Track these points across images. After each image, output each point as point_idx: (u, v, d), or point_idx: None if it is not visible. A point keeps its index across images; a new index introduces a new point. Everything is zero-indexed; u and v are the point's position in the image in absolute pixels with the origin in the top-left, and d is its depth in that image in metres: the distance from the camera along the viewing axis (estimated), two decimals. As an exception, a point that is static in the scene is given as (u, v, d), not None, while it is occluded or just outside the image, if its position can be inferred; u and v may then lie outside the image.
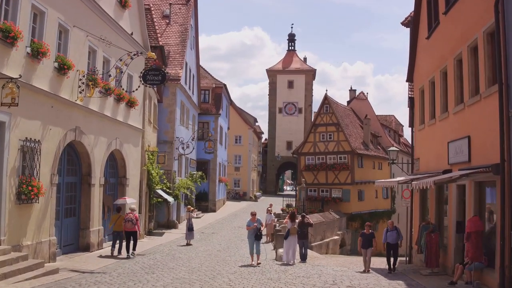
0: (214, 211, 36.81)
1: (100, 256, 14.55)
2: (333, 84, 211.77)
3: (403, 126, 64.69)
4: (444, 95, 13.97)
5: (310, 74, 71.12)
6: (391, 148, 19.04)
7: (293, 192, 60.54)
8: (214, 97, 38.40)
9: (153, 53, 14.10)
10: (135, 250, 15.18)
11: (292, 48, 74.48)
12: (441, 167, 13.46)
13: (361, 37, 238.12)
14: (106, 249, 15.96)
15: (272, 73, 70.96)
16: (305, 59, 74.41)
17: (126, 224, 14.92)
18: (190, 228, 19.06)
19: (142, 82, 14.01)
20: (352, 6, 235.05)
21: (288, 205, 35.49)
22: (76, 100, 14.00)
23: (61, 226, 14.23)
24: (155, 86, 14.34)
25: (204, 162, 36.97)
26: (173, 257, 15.04)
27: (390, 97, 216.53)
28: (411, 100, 17.81)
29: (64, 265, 12.35)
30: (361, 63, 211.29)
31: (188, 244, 18.71)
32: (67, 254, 14.33)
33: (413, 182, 11.64)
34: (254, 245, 14.31)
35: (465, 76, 12.08)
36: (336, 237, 30.12)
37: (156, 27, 24.90)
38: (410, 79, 18.10)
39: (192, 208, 20.14)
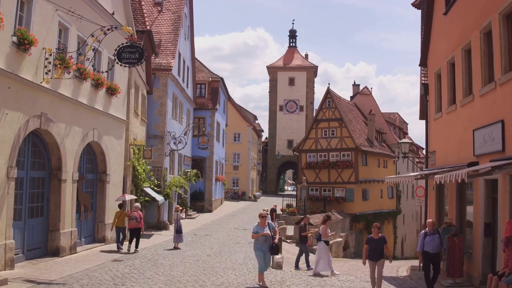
0: (210, 211, 34.91)
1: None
2: (335, 84, 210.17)
3: (407, 124, 62.96)
4: (467, 75, 12.04)
5: (312, 71, 69.17)
6: (403, 140, 17.02)
7: (295, 192, 58.62)
8: (211, 91, 36.48)
9: (129, 28, 12.19)
10: (137, 247, 15.54)
11: (293, 44, 72.51)
12: (463, 159, 11.54)
13: (363, 38, 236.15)
14: (95, 247, 14.13)
15: (272, 70, 69.00)
16: (306, 55, 72.39)
17: (131, 222, 15.43)
18: (178, 230, 17.10)
19: (117, 61, 12.09)
20: (353, 7, 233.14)
21: (288, 205, 33.54)
22: (41, 82, 12.11)
23: (24, 227, 12.29)
24: (132, 65, 12.37)
25: (200, 159, 35.09)
26: (155, 264, 13.11)
27: (393, 97, 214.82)
28: (425, 87, 15.86)
29: (21, 274, 10.45)
30: (364, 64, 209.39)
31: (175, 248, 16.78)
32: (31, 259, 12.39)
33: (436, 176, 9.71)
34: (265, 260, 10.55)
35: (496, 50, 10.14)
36: (339, 239, 28.14)
37: (145, 12, 22.96)
38: (423, 63, 16.17)
39: (180, 208, 18.18)
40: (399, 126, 52.53)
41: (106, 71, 13.78)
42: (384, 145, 41.53)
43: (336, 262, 19.00)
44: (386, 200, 38.95)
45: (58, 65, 12.38)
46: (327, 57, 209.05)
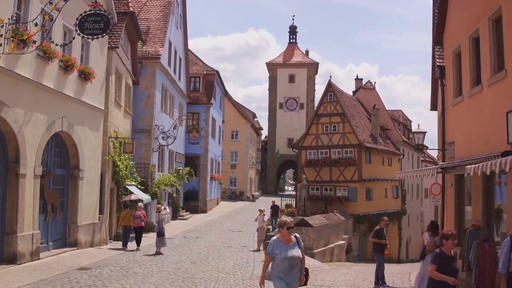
0: (205, 211, 32.98)
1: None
2: (338, 85, 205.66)
3: (411, 121, 61.13)
4: (496, 49, 10.08)
5: (312, 68, 67.11)
6: (416, 130, 15.03)
7: (295, 192, 56.63)
8: (206, 85, 34.55)
9: (94, -7, 10.27)
10: (138, 244, 15.86)
11: (294, 41, 70.42)
12: (493, 148, 9.59)
13: (364, 38, 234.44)
14: (65, 252, 12.19)
15: (272, 67, 66.96)
16: (307, 52, 70.37)
17: (135, 221, 15.80)
18: (160, 233, 15.19)
19: (78, 32, 10.16)
20: (353, 7, 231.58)
21: (288, 205, 31.56)
22: (-9, 59, 10.21)
23: (-30, 230, 10.42)
24: (96, 37, 10.43)
25: (194, 157, 33.15)
26: (126, 273, 11.18)
27: (395, 98, 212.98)
28: (440, 69, 13.89)
29: (-44, 288, 8.55)
30: (366, 64, 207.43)
31: (157, 253, 14.85)
32: (-19, 268, 10.53)
33: (468, 166, 7.72)
34: None
35: (538, 12, 8.20)
36: (342, 241, 26.24)
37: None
38: (438, 41, 14.21)
39: (162, 207, 16.25)
40: (404, 123, 50.55)
41: (66, 44, 11.75)
42: (388, 142, 39.55)
43: (340, 269, 17.06)
44: (391, 200, 36.95)
45: (11, 39, 10.47)
46: (329, 57, 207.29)
